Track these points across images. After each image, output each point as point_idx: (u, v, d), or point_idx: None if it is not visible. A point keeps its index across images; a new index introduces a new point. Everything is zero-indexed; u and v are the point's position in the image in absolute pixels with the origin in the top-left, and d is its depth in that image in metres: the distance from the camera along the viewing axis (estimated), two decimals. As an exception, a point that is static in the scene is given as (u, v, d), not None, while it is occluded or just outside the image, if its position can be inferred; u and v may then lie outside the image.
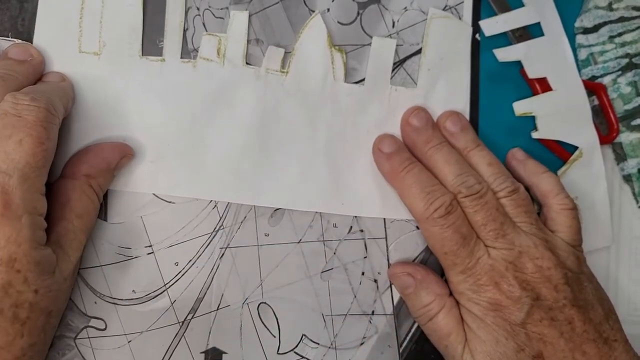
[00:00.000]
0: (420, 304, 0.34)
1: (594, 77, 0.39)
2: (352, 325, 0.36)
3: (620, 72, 0.39)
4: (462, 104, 0.37)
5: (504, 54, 0.38)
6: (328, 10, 0.37)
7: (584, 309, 0.32)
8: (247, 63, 0.36)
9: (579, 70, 0.38)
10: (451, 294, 0.34)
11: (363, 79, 0.37)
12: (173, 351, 0.35)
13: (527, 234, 0.33)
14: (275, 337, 0.36)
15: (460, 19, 0.38)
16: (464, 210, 0.33)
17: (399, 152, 0.35)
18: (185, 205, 0.35)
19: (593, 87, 0.38)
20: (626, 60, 0.39)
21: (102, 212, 0.35)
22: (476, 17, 0.38)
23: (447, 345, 0.33)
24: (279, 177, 0.36)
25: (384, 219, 0.37)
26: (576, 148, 0.38)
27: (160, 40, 0.35)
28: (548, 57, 0.38)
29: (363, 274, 0.37)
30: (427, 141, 0.35)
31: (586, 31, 0.39)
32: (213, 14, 0.36)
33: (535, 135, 0.38)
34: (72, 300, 0.34)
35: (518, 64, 0.38)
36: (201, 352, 0.35)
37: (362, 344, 0.36)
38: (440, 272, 0.35)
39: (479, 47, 0.38)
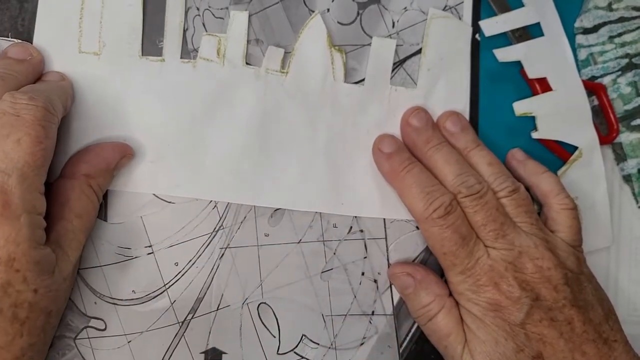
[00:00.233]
0: (419, 304, 0.34)
1: (593, 77, 0.39)
2: (352, 326, 0.36)
3: (620, 72, 0.39)
4: (462, 104, 0.37)
5: (504, 54, 0.38)
6: (328, 10, 0.37)
7: (583, 310, 0.32)
8: (247, 63, 0.36)
9: (579, 71, 0.38)
10: (451, 294, 0.34)
11: (363, 79, 0.37)
12: (173, 351, 0.35)
13: (528, 234, 0.33)
14: (275, 337, 0.36)
15: (460, 19, 0.38)
16: (464, 210, 0.33)
17: (398, 152, 0.35)
18: (185, 205, 0.35)
19: (593, 87, 0.38)
20: (626, 61, 0.39)
21: (102, 212, 0.35)
22: (476, 17, 0.38)
23: (447, 346, 0.33)
24: (279, 177, 0.36)
25: (384, 219, 0.37)
26: (576, 148, 0.38)
27: (160, 40, 0.35)
28: (548, 57, 0.38)
29: (363, 274, 0.37)
30: (427, 141, 0.35)
31: (586, 31, 0.39)
32: (213, 14, 0.36)
33: (535, 135, 0.38)
34: (72, 300, 0.34)
35: (518, 64, 0.38)
36: (201, 352, 0.35)
37: (362, 344, 0.36)
38: (440, 272, 0.35)
39: (479, 47, 0.38)
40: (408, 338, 0.37)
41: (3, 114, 0.28)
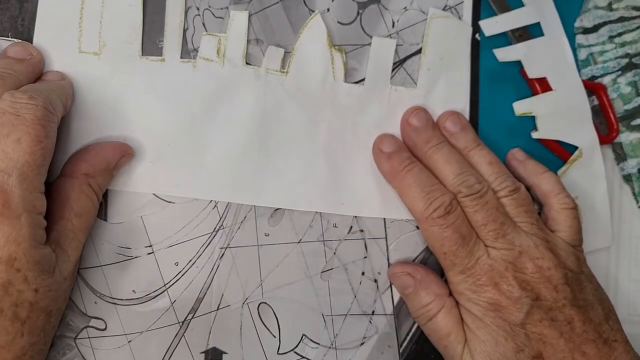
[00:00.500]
0: (419, 304, 0.34)
1: (593, 77, 0.39)
2: (352, 325, 0.36)
3: (620, 72, 0.39)
4: (462, 104, 0.37)
5: (503, 54, 0.38)
6: (328, 10, 0.37)
7: (583, 309, 0.32)
8: (247, 63, 0.36)
9: (579, 70, 0.38)
10: (451, 294, 0.34)
11: (363, 79, 0.37)
12: (173, 351, 0.35)
13: (528, 234, 0.33)
14: (275, 337, 0.36)
15: (460, 19, 0.38)
16: (464, 210, 0.33)
17: (399, 152, 0.35)
18: (185, 205, 0.35)
19: (593, 87, 0.38)
20: (626, 60, 0.39)
21: (102, 212, 0.35)
22: (476, 17, 0.38)
23: (447, 346, 0.33)
24: (279, 177, 0.36)
25: (384, 219, 0.37)
26: (576, 148, 0.38)
27: (160, 40, 0.35)
28: (548, 57, 0.38)
29: (363, 274, 0.37)
30: (427, 141, 0.35)
31: (586, 31, 0.39)
32: (213, 14, 0.36)
33: (535, 135, 0.38)
34: (72, 300, 0.34)
35: (518, 64, 0.38)
36: (201, 352, 0.35)
37: (362, 344, 0.36)
38: (440, 272, 0.35)
39: (479, 47, 0.38)
40: (408, 338, 0.37)
41: (3, 114, 0.28)
